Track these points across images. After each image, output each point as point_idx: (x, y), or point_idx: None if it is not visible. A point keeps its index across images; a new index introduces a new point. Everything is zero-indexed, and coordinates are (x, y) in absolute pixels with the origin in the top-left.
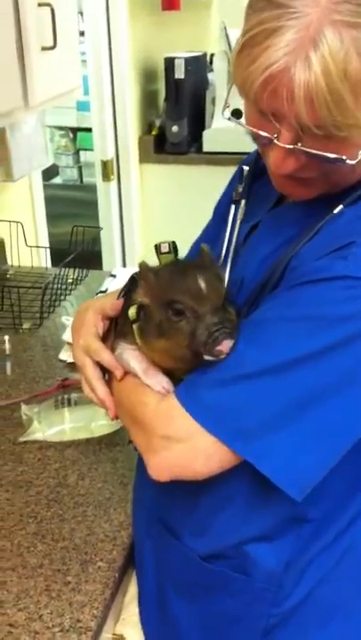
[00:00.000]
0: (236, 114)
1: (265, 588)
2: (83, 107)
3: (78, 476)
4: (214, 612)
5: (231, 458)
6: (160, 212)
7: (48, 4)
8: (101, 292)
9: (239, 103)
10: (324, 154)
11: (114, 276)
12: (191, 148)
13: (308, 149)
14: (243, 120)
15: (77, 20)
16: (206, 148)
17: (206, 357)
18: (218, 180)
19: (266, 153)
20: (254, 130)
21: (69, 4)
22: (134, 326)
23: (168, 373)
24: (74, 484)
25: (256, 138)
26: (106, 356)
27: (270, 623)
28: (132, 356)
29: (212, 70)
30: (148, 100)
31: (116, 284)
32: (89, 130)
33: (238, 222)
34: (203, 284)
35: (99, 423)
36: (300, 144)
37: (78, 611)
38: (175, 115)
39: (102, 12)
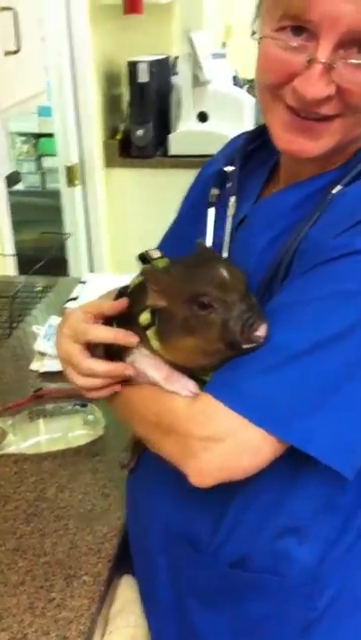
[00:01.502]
0: (201, 116)
1: (301, 583)
2: (44, 112)
3: (57, 489)
4: (246, 616)
5: (277, 447)
6: (127, 216)
7: (11, 9)
8: (72, 299)
9: (205, 106)
10: None
11: (84, 282)
12: (157, 151)
13: (351, 60)
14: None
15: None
16: (172, 151)
17: (245, 346)
18: (185, 183)
19: (279, 95)
20: (291, 45)
21: (32, 8)
22: (149, 332)
23: (188, 376)
24: (53, 497)
25: (284, 65)
26: (97, 332)
27: (310, 618)
28: (147, 365)
29: (175, 74)
30: (111, 104)
31: (87, 291)
32: (51, 135)
33: (230, 220)
34: (225, 273)
35: (76, 433)
36: (339, 61)
37: (64, 627)
38: (140, 118)
39: (63, 16)
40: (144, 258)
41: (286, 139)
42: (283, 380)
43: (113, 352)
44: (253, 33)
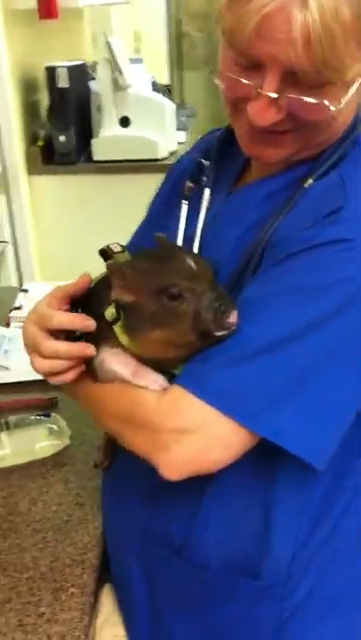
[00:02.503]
0: (123, 121)
1: (272, 584)
2: None
3: (30, 502)
4: (220, 618)
5: (248, 440)
6: (53, 222)
7: None
8: (16, 308)
9: (127, 111)
10: (308, 99)
11: (25, 290)
12: (80, 157)
13: (292, 95)
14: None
15: None
16: (96, 156)
17: (217, 333)
18: (109, 188)
19: (239, 110)
20: (238, 78)
21: None
22: (116, 327)
23: (156, 370)
24: (26, 510)
25: (234, 91)
26: (59, 318)
27: (283, 617)
28: (115, 362)
29: (93, 79)
30: (30, 110)
31: (30, 299)
32: None
33: (203, 213)
34: (192, 263)
35: (42, 444)
36: (283, 94)
37: None
38: (61, 124)
39: None
40: (105, 253)
41: (248, 146)
42: (253, 372)
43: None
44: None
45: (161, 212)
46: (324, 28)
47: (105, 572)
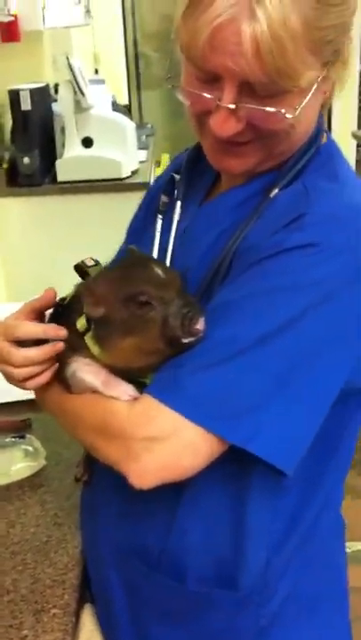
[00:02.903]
0: (86, 142)
1: (250, 592)
2: None
3: (7, 524)
4: (202, 630)
5: (218, 447)
6: (19, 244)
7: None
8: None
9: (89, 132)
10: (265, 108)
11: None
12: (45, 178)
13: (250, 105)
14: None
15: None
16: (60, 177)
17: (185, 340)
18: (75, 208)
19: (203, 123)
20: (197, 92)
21: None
22: (87, 337)
23: (127, 380)
24: (4, 532)
25: (196, 105)
26: (26, 327)
27: (261, 624)
28: (86, 372)
29: (55, 100)
30: None
31: None
32: None
33: (175, 224)
34: (160, 271)
35: (17, 466)
36: (241, 105)
37: None
38: (25, 146)
39: None
40: (80, 268)
41: (215, 158)
42: (222, 378)
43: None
44: (169, 77)
45: (138, 229)
46: (274, 38)
47: (84, 592)
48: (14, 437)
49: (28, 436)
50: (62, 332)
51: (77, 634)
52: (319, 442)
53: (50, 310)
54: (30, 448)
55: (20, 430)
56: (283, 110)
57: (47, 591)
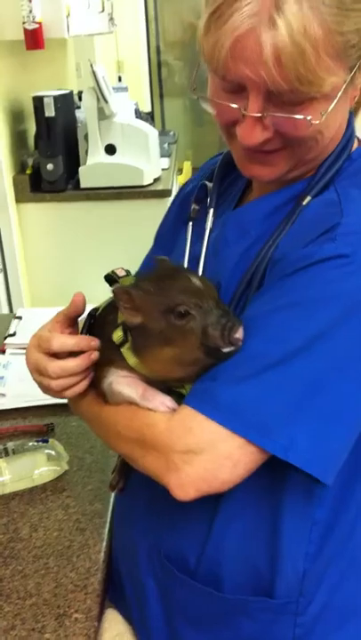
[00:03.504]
0: (109, 149)
1: (285, 602)
2: None
3: (31, 528)
4: (237, 638)
5: (257, 458)
6: (42, 250)
7: None
8: (10, 335)
9: (112, 139)
10: (291, 115)
11: (19, 317)
12: (68, 185)
13: (276, 113)
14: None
15: None
16: (83, 184)
17: (225, 350)
18: (97, 214)
19: (231, 133)
20: (223, 103)
21: None
22: (124, 349)
23: (165, 392)
24: (27, 536)
25: (223, 115)
26: (60, 340)
27: (297, 634)
28: (124, 384)
29: (78, 107)
30: (18, 139)
31: (23, 326)
32: None
33: (208, 232)
34: (197, 282)
35: (41, 470)
36: (267, 113)
37: None
38: (49, 153)
39: None
40: (110, 278)
41: (245, 166)
42: (260, 389)
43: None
44: (194, 89)
45: (168, 236)
46: (294, 46)
47: (107, 597)
48: (37, 441)
49: (51, 440)
50: (95, 342)
51: (100, 639)
52: (352, 451)
53: (83, 317)
54: (53, 452)
55: (44, 434)
56: (309, 117)
57: (69, 595)
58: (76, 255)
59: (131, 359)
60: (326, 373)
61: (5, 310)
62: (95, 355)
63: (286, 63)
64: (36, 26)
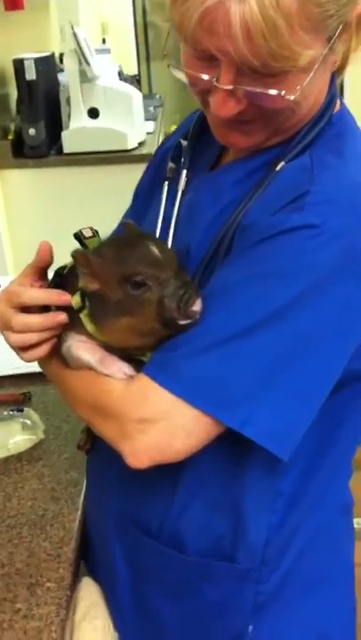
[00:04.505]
0: (92, 113)
1: (248, 568)
2: None
3: (4, 498)
4: (200, 603)
5: (212, 430)
6: (26, 216)
7: None
8: None
9: (95, 102)
10: (264, 90)
11: None
12: (51, 150)
13: (248, 87)
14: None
15: None
16: (67, 149)
17: (181, 322)
18: (80, 179)
19: (205, 100)
20: (194, 73)
21: None
22: (82, 314)
23: (124, 358)
24: (1, 506)
25: (195, 84)
26: (30, 293)
27: (259, 601)
28: (82, 349)
29: (61, 70)
30: None
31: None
32: None
33: (180, 194)
34: (156, 251)
35: (16, 439)
36: (239, 85)
37: (35, 637)
38: (31, 117)
39: None
40: (78, 237)
41: (220, 133)
42: (220, 361)
43: None
44: (165, 55)
45: (145, 194)
46: (265, 20)
47: (81, 566)
48: (12, 411)
49: (26, 409)
50: (66, 297)
51: (74, 609)
52: (318, 424)
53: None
54: (28, 421)
55: (20, 404)
56: (283, 92)
57: (42, 565)
58: (60, 220)
59: (89, 326)
60: (290, 348)
61: None
62: (61, 317)
63: (257, 39)
64: None
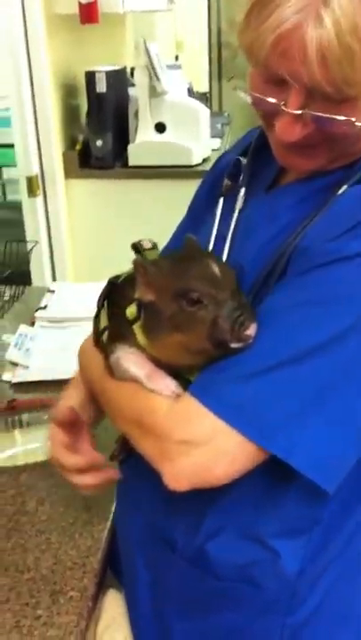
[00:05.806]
0: (159, 127)
1: (276, 598)
2: (3, 123)
3: (37, 502)
4: (219, 627)
5: (255, 457)
6: (88, 225)
7: None
8: (41, 308)
9: (163, 117)
10: (334, 116)
11: (52, 291)
12: (116, 162)
13: (317, 113)
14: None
15: None
16: (132, 162)
17: (233, 345)
18: (144, 193)
19: (270, 123)
20: (261, 96)
21: None
22: (135, 326)
23: (171, 375)
24: (33, 510)
25: (261, 107)
26: (67, 458)
27: (285, 634)
28: (131, 362)
29: (132, 84)
30: (70, 114)
31: (55, 300)
32: (10, 146)
33: (237, 212)
34: (216, 269)
35: None
36: (307, 110)
37: None
38: (99, 129)
39: (19, 26)
40: (137, 247)
41: (282, 154)
42: (268, 387)
43: (101, 345)
44: (231, 77)
45: (200, 209)
46: (341, 46)
47: (108, 577)
48: None
49: None
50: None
51: (97, 620)
52: None
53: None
54: None
55: None
56: (353, 119)
57: (67, 573)
58: (122, 232)
59: (141, 338)
60: (339, 377)
61: (49, 284)
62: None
63: (332, 65)
64: (91, 0)
